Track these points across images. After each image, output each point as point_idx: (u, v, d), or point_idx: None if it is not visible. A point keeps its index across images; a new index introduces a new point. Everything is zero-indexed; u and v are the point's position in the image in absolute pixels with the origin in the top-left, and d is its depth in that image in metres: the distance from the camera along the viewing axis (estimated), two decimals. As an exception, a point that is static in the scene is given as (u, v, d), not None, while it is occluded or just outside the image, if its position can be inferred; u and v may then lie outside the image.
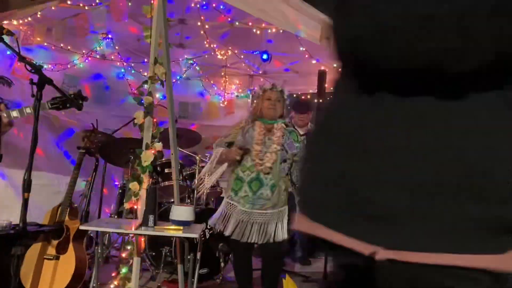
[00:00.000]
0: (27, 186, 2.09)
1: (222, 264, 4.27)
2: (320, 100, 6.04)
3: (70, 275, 3.14)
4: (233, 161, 3.19)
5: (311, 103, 5.71)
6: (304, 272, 4.80)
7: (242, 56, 5.89)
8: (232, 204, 3.16)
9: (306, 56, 5.39)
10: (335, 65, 4.78)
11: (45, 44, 4.93)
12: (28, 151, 2.14)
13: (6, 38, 2.32)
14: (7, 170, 4.62)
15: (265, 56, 5.68)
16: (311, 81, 6.51)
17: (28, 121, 3.25)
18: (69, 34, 4.79)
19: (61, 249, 3.23)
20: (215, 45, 5.38)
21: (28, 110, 2.52)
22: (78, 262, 3.19)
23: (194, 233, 2.45)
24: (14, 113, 2.60)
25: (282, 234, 3.17)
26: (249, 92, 7.71)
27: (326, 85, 6.24)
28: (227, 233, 3.11)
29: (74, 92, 2.85)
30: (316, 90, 6.21)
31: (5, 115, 2.57)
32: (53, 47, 5.06)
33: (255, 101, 3.49)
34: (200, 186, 3.47)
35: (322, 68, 5.96)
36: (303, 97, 6.99)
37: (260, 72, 6.76)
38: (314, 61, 5.57)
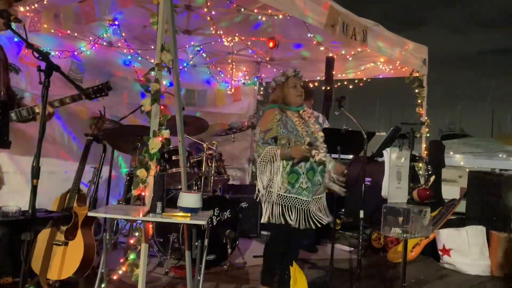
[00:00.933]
0: (35, 172, 2.11)
1: (229, 251, 4.30)
2: (328, 87, 6.01)
3: (79, 261, 3.17)
4: (301, 158, 3.13)
5: (313, 89, 5.67)
6: (311, 259, 4.82)
7: (249, 43, 5.84)
8: (291, 196, 3.16)
9: (314, 42, 5.33)
10: (343, 52, 4.84)
11: (52, 31, 4.92)
12: (37, 138, 2.14)
13: (13, 25, 2.31)
14: (16, 157, 4.65)
15: (272, 43, 5.63)
16: (318, 68, 6.47)
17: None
18: (76, 21, 4.76)
19: (70, 235, 3.26)
20: (221, 32, 5.34)
21: (68, 100, 2.86)
22: (87, 248, 3.22)
23: (202, 220, 2.45)
24: (56, 103, 2.82)
25: (327, 216, 3.32)
26: (256, 79, 7.68)
27: (333, 72, 6.21)
28: (292, 224, 3.15)
29: (100, 83, 2.88)
30: (324, 77, 6.18)
31: (50, 106, 2.66)
32: (60, 34, 5.04)
33: (273, 87, 3.41)
34: (270, 195, 3.20)
35: (330, 54, 5.92)
36: (313, 83, 6.95)
37: (267, 59, 6.71)
38: (322, 48, 5.52)
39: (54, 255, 3.22)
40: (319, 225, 3.27)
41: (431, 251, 5.21)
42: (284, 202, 3.16)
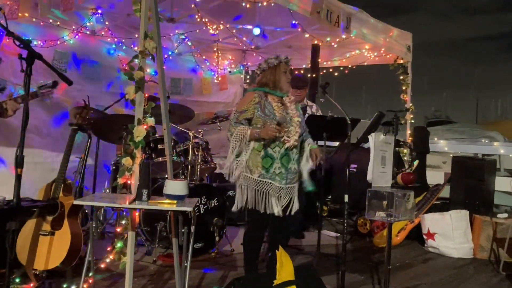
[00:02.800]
0: (19, 161, 2.09)
1: (217, 239, 4.33)
2: (314, 75, 6.03)
3: (65, 251, 3.16)
4: (270, 138, 3.09)
5: (307, 78, 5.69)
6: (298, 245, 4.88)
7: (234, 31, 5.82)
8: (265, 181, 3.13)
9: (299, 30, 5.34)
10: (328, 39, 4.86)
11: (34, 20, 4.84)
12: (19, 127, 2.13)
13: (-8, 12, 2.28)
14: (0, 149, 4.61)
15: (257, 31, 5.62)
16: (304, 55, 6.48)
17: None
18: (54, 7, 4.70)
19: (56, 225, 3.24)
20: (206, 20, 5.31)
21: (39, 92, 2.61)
22: (74, 237, 3.21)
23: (188, 207, 2.47)
24: (19, 99, 2.76)
25: (298, 205, 3.28)
26: (242, 68, 7.67)
27: (319, 60, 6.23)
28: (262, 210, 3.12)
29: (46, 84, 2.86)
30: (309, 65, 6.20)
31: (15, 102, 2.63)
32: (42, 23, 4.97)
33: (261, 71, 3.35)
34: (232, 174, 3.19)
35: (315, 42, 5.93)
36: (299, 72, 6.97)
37: (253, 47, 6.70)
38: (307, 35, 5.53)
39: (41, 245, 3.21)
40: (287, 214, 3.22)
41: (416, 235, 5.29)
42: (258, 187, 3.13)
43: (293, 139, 3.18)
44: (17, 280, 3.12)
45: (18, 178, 2.10)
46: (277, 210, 3.14)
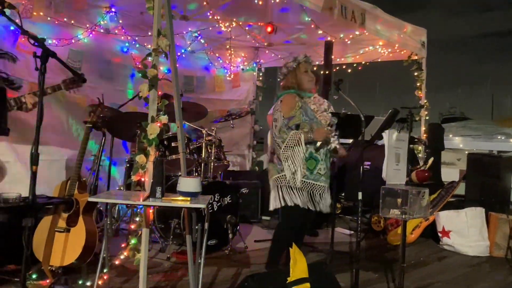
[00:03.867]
0: (34, 159, 2.12)
1: (230, 236, 4.34)
2: (327, 72, 5.99)
3: (80, 247, 3.19)
4: (325, 141, 3.18)
5: (319, 74, 5.65)
6: (311, 243, 4.86)
7: (246, 28, 5.81)
8: (309, 182, 3.20)
9: (312, 26, 5.30)
10: (341, 36, 4.82)
11: (49, 18, 4.89)
12: (35, 125, 2.15)
13: (7, 11, 2.31)
14: (16, 146, 4.66)
15: (270, 28, 5.60)
16: (317, 52, 6.44)
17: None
18: (67, 6, 4.74)
19: (71, 222, 3.28)
20: (218, 17, 5.30)
21: (49, 91, 2.70)
22: (88, 234, 3.24)
23: (202, 204, 2.47)
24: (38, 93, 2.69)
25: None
26: (255, 65, 7.65)
27: (332, 56, 6.19)
28: (323, 210, 3.26)
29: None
30: (322, 62, 6.16)
31: (35, 96, 2.66)
32: (56, 22, 5.01)
33: (283, 76, 3.40)
34: (295, 178, 3.21)
35: (329, 38, 5.89)
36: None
37: (265, 44, 6.68)
38: (320, 31, 5.49)
39: (56, 242, 3.25)
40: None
41: (431, 233, 5.24)
42: (302, 187, 3.20)
43: (337, 142, 3.27)
44: (34, 276, 3.16)
45: (34, 175, 2.12)
46: (325, 207, 3.28)
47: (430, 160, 5.52)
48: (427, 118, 6.65)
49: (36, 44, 2.19)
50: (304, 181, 3.20)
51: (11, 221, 3.45)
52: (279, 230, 3.49)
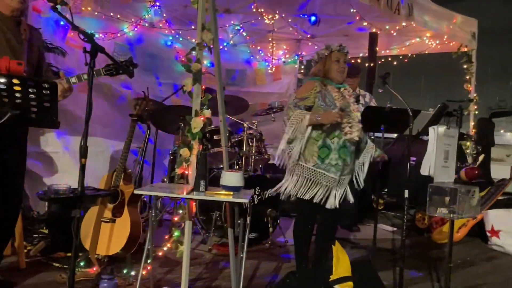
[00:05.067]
0: (83, 152, 2.17)
1: (271, 229, 4.33)
2: (371, 64, 5.85)
3: (125, 238, 3.28)
4: (331, 124, 2.95)
5: (360, 66, 5.53)
6: (353, 239, 4.79)
7: (289, 20, 5.75)
8: (319, 171, 3.04)
9: (357, 18, 5.19)
10: (387, 27, 4.67)
11: (96, 13, 5.02)
12: (83, 118, 2.20)
13: (59, 7, 2.36)
14: (65, 137, 4.83)
15: (313, 19, 5.53)
16: (361, 44, 6.31)
17: (83, 90, 3.36)
18: (114, 1, 4.85)
19: (117, 213, 3.36)
20: (262, 10, 5.28)
21: (85, 76, 2.68)
22: (133, 225, 3.32)
23: (244, 198, 2.47)
24: (73, 79, 2.76)
25: (351, 198, 3.20)
26: (296, 57, 7.58)
27: (377, 48, 6.04)
28: (315, 200, 3.05)
29: (125, 59, 2.92)
30: (367, 54, 6.03)
31: (65, 81, 2.71)
32: (103, 16, 5.14)
33: (316, 61, 3.26)
34: (284, 158, 3.08)
35: (374, 30, 5.75)
36: (352, 60, 6.79)
37: (308, 36, 6.60)
38: (365, 23, 5.36)
39: (103, 232, 3.34)
40: (337, 206, 3.12)
41: (478, 232, 5.05)
42: (310, 176, 3.04)
43: (356, 134, 3.05)
44: (82, 264, 3.27)
45: (83, 168, 2.17)
46: (332, 202, 3.07)
47: (481, 157, 5.30)
48: (476, 112, 6.39)
49: (85, 39, 2.23)
50: (314, 170, 3.03)
51: (61, 211, 3.59)
52: (294, 223, 3.37)
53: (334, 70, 3.16)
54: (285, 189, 3.15)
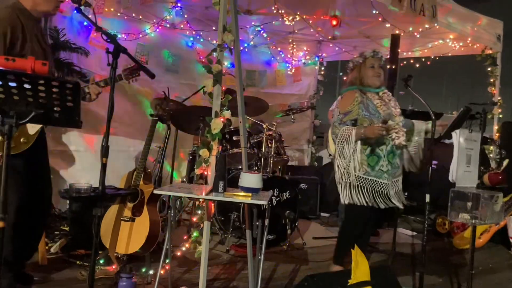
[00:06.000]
0: (105, 151, 2.19)
1: (289, 231, 4.32)
2: (393, 66, 5.79)
3: (145, 237, 3.30)
4: (376, 137, 3.07)
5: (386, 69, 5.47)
6: (372, 243, 4.74)
7: (310, 21, 5.73)
8: (371, 179, 3.13)
9: (379, 19, 5.13)
10: (410, 29, 4.62)
11: (119, 14, 5.08)
12: (105, 117, 2.23)
13: (82, 8, 2.40)
14: (87, 136, 4.91)
15: (334, 21, 5.49)
16: (383, 45, 6.25)
17: (105, 90, 3.40)
18: (135, 2, 4.90)
19: (136, 212, 3.39)
20: (282, 11, 5.26)
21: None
22: (152, 224, 3.34)
23: (263, 200, 2.47)
24: (102, 83, 2.83)
25: (401, 200, 3.28)
26: (317, 59, 7.55)
27: (399, 50, 5.96)
28: (370, 205, 3.13)
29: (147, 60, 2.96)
30: (388, 56, 5.96)
31: (97, 86, 2.77)
32: (125, 17, 5.19)
33: (350, 68, 3.33)
34: (348, 177, 3.16)
35: (396, 31, 5.68)
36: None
37: (329, 38, 6.56)
38: (387, 25, 5.30)
39: (122, 231, 3.37)
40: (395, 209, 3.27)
41: (501, 238, 4.94)
42: (362, 184, 3.12)
43: (403, 138, 3.15)
44: (101, 262, 3.31)
45: (103, 167, 2.20)
46: (389, 203, 3.17)
47: (505, 162, 5.18)
48: (500, 116, 6.26)
49: (108, 40, 2.26)
50: (366, 178, 3.12)
51: (82, 209, 3.64)
52: (342, 227, 3.47)
53: (370, 76, 3.23)
54: (344, 199, 3.23)
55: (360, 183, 3.13)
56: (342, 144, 3.11)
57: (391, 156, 3.19)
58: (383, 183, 3.15)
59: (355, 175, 3.12)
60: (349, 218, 3.43)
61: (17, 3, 2.67)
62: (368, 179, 3.13)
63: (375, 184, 3.14)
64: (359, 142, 3.08)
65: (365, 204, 3.14)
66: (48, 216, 3.13)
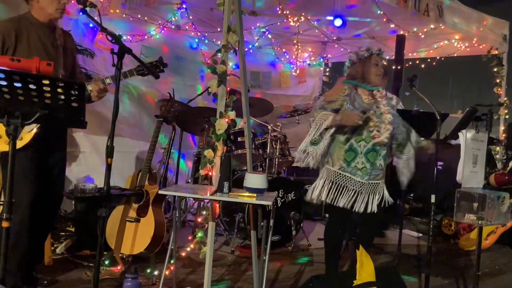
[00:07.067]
0: (110, 152, 2.20)
1: (294, 232, 4.31)
2: (399, 67, 5.77)
3: (150, 237, 3.30)
4: (351, 126, 2.95)
5: (386, 68, 5.45)
6: (377, 244, 4.72)
7: (315, 23, 5.72)
8: (345, 175, 3.02)
9: (384, 20, 5.12)
10: (415, 29, 4.60)
11: (124, 16, 5.10)
12: (110, 118, 2.24)
13: (87, 9, 2.41)
14: (92, 137, 4.92)
15: (339, 22, 5.48)
16: (388, 46, 6.23)
17: (110, 91, 3.41)
18: (140, 3, 4.91)
19: (142, 213, 3.40)
20: (287, 12, 5.26)
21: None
22: (157, 225, 3.34)
23: (267, 201, 2.46)
24: (108, 80, 2.82)
25: (387, 203, 3.13)
26: (322, 60, 7.54)
27: (404, 51, 5.95)
28: (341, 205, 3.01)
29: (154, 60, 2.97)
30: (393, 56, 5.95)
31: (100, 82, 2.77)
32: (131, 19, 5.22)
33: (351, 63, 3.24)
34: (306, 158, 3.04)
35: (401, 32, 5.66)
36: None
37: (334, 39, 6.55)
38: (392, 25, 5.29)
39: (127, 231, 3.38)
40: (372, 211, 3.05)
41: (508, 240, 4.91)
42: (336, 180, 3.02)
43: (384, 136, 2.99)
44: (107, 262, 3.32)
45: (109, 167, 2.21)
46: (359, 206, 3.02)
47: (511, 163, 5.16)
48: (506, 117, 6.23)
49: (113, 41, 2.27)
50: (340, 173, 3.01)
51: (87, 210, 3.66)
52: (324, 230, 3.33)
53: (373, 73, 3.16)
54: (313, 193, 3.12)
55: (334, 179, 3.02)
56: (316, 126, 2.98)
57: (372, 155, 3.02)
58: (356, 181, 3.00)
59: (330, 169, 3.03)
60: (330, 218, 3.33)
61: (26, 13, 2.77)
62: (342, 174, 3.01)
63: (348, 181, 3.00)
64: (332, 130, 2.97)
65: (340, 205, 3.00)
66: (55, 218, 3.14)
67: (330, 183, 3.04)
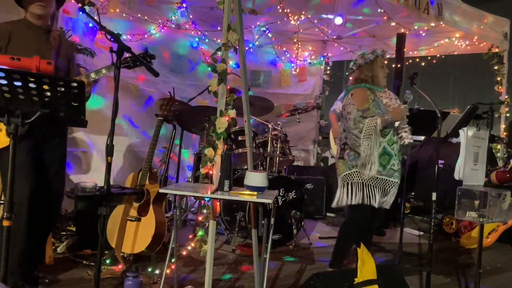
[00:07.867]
0: (110, 150, 2.19)
1: (295, 231, 4.31)
2: (399, 65, 5.76)
3: (150, 236, 3.30)
4: (401, 119, 3.14)
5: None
6: (378, 243, 4.72)
7: (315, 21, 5.71)
8: (382, 178, 3.13)
9: (385, 18, 5.11)
10: (415, 28, 4.60)
11: (124, 15, 5.10)
12: (110, 117, 2.23)
13: (87, 8, 2.41)
14: (93, 136, 4.92)
15: (339, 21, 5.47)
16: (388, 45, 6.23)
17: (110, 90, 3.41)
18: (140, 2, 4.92)
19: (142, 212, 3.40)
20: (288, 10, 5.26)
21: (104, 71, 2.73)
22: (158, 224, 3.34)
23: (268, 199, 2.46)
24: (92, 75, 2.80)
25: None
26: (322, 59, 7.53)
27: (405, 49, 5.94)
28: (376, 205, 3.13)
29: (140, 52, 2.96)
30: (394, 54, 5.94)
31: (84, 76, 2.76)
32: (131, 18, 5.21)
33: (357, 67, 3.27)
34: (370, 167, 3.11)
35: (402, 30, 5.65)
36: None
37: (334, 37, 6.55)
38: (393, 23, 5.28)
39: (128, 230, 3.38)
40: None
41: (509, 238, 4.90)
42: (373, 183, 3.11)
43: (410, 137, 3.19)
44: (108, 261, 3.32)
45: (109, 166, 2.20)
46: (389, 204, 3.19)
47: (513, 161, 5.15)
48: (507, 115, 6.22)
49: (112, 39, 2.26)
50: (377, 177, 3.11)
51: (88, 209, 3.66)
52: (345, 228, 3.39)
53: (381, 76, 3.22)
54: (340, 198, 3.21)
55: (370, 183, 3.11)
56: (370, 137, 3.06)
57: (399, 155, 3.20)
58: (394, 182, 3.15)
59: (364, 173, 3.10)
60: (354, 219, 3.37)
61: (23, 18, 2.78)
62: (379, 178, 3.12)
63: (385, 184, 3.14)
64: (380, 138, 3.10)
65: (375, 205, 3.12)
66: (56, 217, 3.14)
67: (363, 187, 3.13)
